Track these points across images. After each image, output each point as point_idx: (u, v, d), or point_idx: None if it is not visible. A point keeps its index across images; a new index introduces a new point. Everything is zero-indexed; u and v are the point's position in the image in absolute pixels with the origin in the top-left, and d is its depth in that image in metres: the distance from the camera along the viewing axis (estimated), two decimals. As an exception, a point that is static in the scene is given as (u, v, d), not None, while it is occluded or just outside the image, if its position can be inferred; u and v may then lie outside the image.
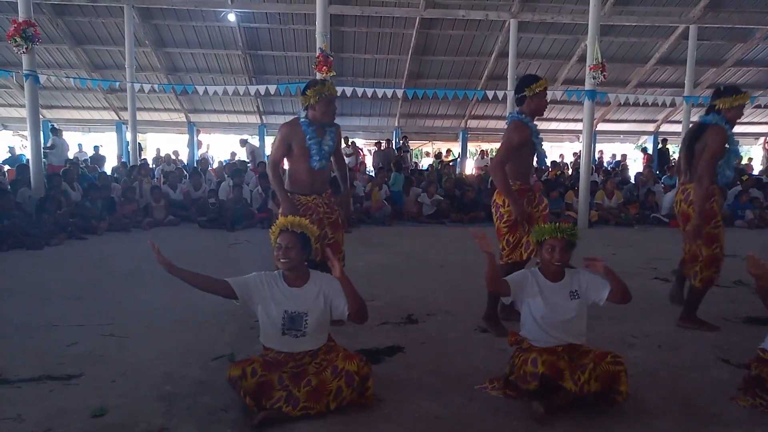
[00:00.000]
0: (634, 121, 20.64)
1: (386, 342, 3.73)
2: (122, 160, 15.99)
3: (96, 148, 15.96)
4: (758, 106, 15.92)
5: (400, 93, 12.05)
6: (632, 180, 12.50)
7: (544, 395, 2.74)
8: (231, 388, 2.75)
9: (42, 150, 9.22)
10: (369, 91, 11.15)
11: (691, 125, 4.27)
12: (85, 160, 14.43)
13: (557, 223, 3.05)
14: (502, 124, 17.30)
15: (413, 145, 21.59)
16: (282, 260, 2.86)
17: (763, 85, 17.65)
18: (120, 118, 18.77)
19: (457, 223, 9.95)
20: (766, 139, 19.25)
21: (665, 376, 3.25)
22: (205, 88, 11.52)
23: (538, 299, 2.96)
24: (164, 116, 19.32)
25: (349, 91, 10.96)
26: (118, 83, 12.28)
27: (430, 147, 24.75)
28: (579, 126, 15.27)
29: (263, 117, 19.83)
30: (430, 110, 19.54)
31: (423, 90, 12.05)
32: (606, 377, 2.72)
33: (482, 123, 20.44)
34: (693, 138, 4.04)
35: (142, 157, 15.61)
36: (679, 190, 4.17)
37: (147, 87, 12.11)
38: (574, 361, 2.88)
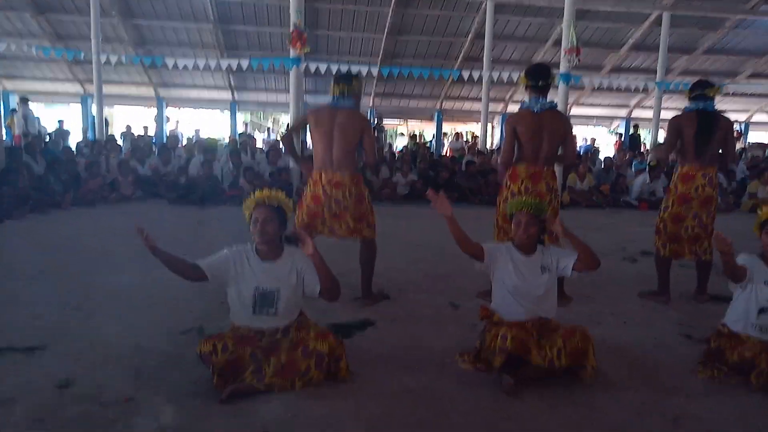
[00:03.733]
0: (608, 105, 20.91)
1: (358, 317, 3.74)
2: (87, 135, 15.58)
3: (60, 122, 15.48)
4: (727, 94, 16.26)
5: (375, 71, 11.91)
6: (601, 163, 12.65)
7: (513, 369, 2.78)
8: (200, 362, 2.72)
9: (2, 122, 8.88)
10: (344, 68, 11.00)
11: (687, 111, 4.31)
12: (48, 134, 14.00)
13: (524, 198, 3.09)
14: (477, 106, 17.32)
15: (388, 125, 21.52)
16: (259, 234, 2.82)
17: (731, 74, 18.02)
18: (86, 91, 18.20)
19: (430, 203, 9.95)
20: (733, 128, 19.72)
21: (630, 351, 3.33)
22: (175, 61, 11.22)
23: (510, 269, 2.99)
24: (132, 90, 18.80)
25: (323, 68, 10.81)
26: (83, 54, 11.85)
27: (405, 128, 24.72)
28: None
29: (235, 93, 19.48)
30: (405, 90, 19.45)
31: (398, 69, 11.96)
32: (574, 353, 2.78)
33: (457, 104, 20.46)
34: (709, 125, 4.18)
35: (109, 132, 15.20)
36: (697, 174, 4.23)
37: (114, 58, 11.72)
38: (543, 337, 2.92)
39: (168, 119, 19.74)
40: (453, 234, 3.01)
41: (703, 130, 4.19)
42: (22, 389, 2.59)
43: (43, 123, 16.30)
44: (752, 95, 19.38)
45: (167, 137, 15.33)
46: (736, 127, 19.12)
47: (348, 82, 4.00)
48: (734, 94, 18.81)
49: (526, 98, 4.16)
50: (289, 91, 9.82)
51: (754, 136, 21.95)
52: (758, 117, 21.90)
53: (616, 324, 3.81)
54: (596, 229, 7.50)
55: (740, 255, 3.06)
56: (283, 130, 20.11)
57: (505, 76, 12.17)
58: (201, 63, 11.15)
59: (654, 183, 10.19)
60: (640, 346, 3.42)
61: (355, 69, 11.35)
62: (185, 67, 11.71)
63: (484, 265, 3.06)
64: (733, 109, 20.67)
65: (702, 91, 4.25)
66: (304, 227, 3.95)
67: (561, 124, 4.12)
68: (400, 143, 21.62)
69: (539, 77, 4.07)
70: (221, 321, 3.22)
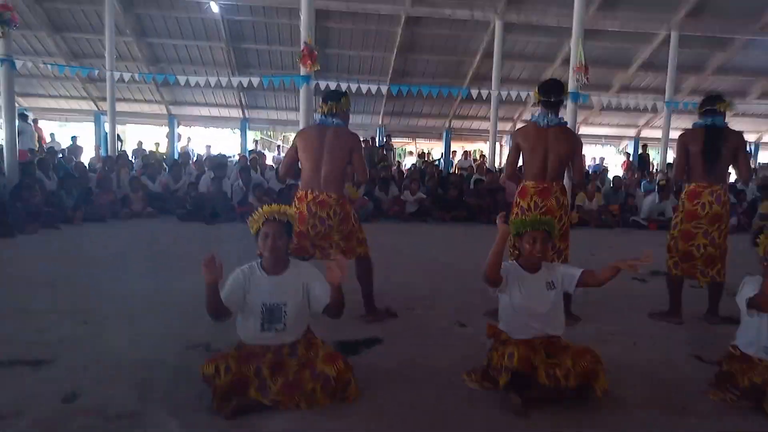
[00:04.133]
0: (616, 125, 20.91)
1: (365, 334, 3.72)
2: (100, 151, 15.76)
3: (73, 138, 15.68)
4: (737, 114, 16.22)
5: (384, 89, 12.01)
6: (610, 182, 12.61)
7: (520, 388, 2.75)
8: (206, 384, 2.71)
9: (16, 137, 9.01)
10: (353, 87, 11.12)
11: (695, 127, 4.29)
12: (62, 151, 14.17)
13: (537, 216, 3.08)
14: (486, 125, 17.41)
15: (396, 143, 21.61)
16: (270, 250, 2.82)
17: (741, 93, 17.98)
18: (98, 109, 18.46)
19: (439, 221, 9.97)
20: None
21: (639, 371, 3.29)
22: (187, 78, 11.38)
23: (516, 289, 2.97)
24: (144, 108, 19.06)
25: (333, 86, 10.92)
26: (97, 71, 12.04)
27: (414, 146, 24.81)
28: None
29: (246, 111, 19.67)
30: (414, 109, 19.57)
31: (408, 86, 12.05)
32: (584, 374, 2.74)
33: (466, 123, 20.53)
34: (717, 140, 4.14)
35: (121, 149, 15.38)
36: (704, 192, 4.19)
37: (127, 76, 11.90)
38: (552, 356, 2.89)
39: (179, 137, 19.94)
40: (494, 256, 2.89)
41: (710, 146, 4.14)
42: (27, 402, 2.59)
43: (57, 139, 16.54)
44: (762, 115, 19.32)
45: (179, 154, 15.48)
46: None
47: (337, 100, 4.01)
48: (744, 114, 18.76)
49: (537, 112, 4.17)
50: (299, 109, 9.90)
51: (765, 157, 21.83)
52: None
53: (624, 343, 3.76)
54: (606, 249, 7.47)
55: (747, 278, 3.02)
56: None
57: (513, 94, 12.22)
58: (212, 80, 11.30)
59: (663, 203, 10.13)
60: (649, 366, 3.38)
61: (365, 87, 11.51)
62: (197, 84, 11.87)
63: (499, 289, 3.02)
64: (743, 130, 20.57)
65: (712, 105, 4.21)
66: (295, 250, 3.88)
67: (568, 141, 4.08)
68: (408, 162, 21.68)
69: (551, 92, 4.07)
70: (229, 336, 3.21)
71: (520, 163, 4.23)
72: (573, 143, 4.13)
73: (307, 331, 2.96)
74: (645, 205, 10.31)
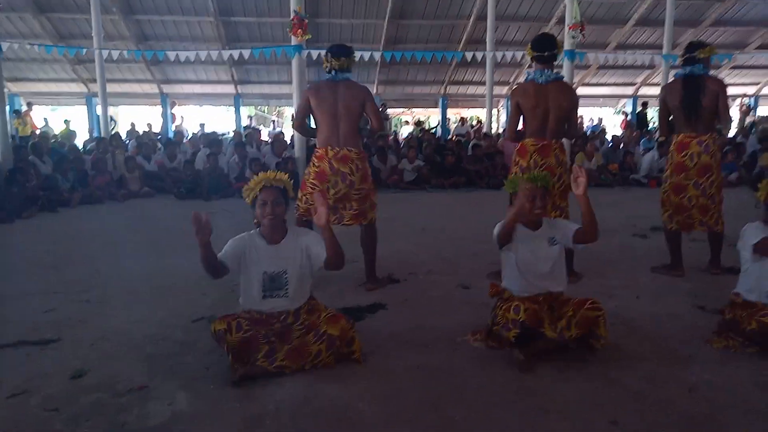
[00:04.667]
0: (614, 84, 20.66)
1: (368, 300, 3.73)
2: (94, 134, 15.63)
3: (66, 122, 15.53)
4: (735, 67, 16.02)
5: (377, 56, 11.83)
6: (609, 142, 12.53)
7: (525, 344, 2.76)
8: (216, 343, 2.74)
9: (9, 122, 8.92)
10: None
11: (675, 78, 4.28)
12: (55, 135, 14.05)
13: (533, 173, 3.06)
14: (482, 90, 17.21)
15: (392, 113, 21.42)
16: (270, 216, 2.81)
17: (739, 45, 17.74)
18: (89, 91, 18.24)
19: (438, 188, 9.93)
20: (742, 101, 19.45)
21: (644, 324, 3.30)
22: (176, 54, 11.17)
23: (520, 247, 2.97)
24: (136, 87, 18.83)
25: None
26: (84, 50, 11.84)
27: (410, 116, 24.59)
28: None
29: (238, 87, 19.44)
30: (408, 76, 19.33)
31: (401, 53, 11.87)
32: (585, 323, 2.76)
33: (462, 89, 20.30)
34: (695, 90, 4.10)
35: (115, 131, 15.25)
36: (692, 142, 4.16)
37: (116, 53, 11.70)
38: (555, 310, 2.91)
39: (173, 116, 19.76)
40: (509, 226, 2.88)
41: (689, 97, 4.11)
42: (36, 381, 2.61)
43: (50, 124, 16.40)
44: (761, 67, 19.08)
45: (174, 133, 15.36)
46: (745, 101, 18.91)
47: (347, 55, 3.98)
48: (743, 66, 18.54)
49: (532, 70, 4.11)
50: (292, 83, 9.76)
51: (765, 109, 21.64)
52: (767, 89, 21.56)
53: (628, 298, 3.78)
54: (606, 207, 7.43)
55: (748, 225, 3.02)
56: (290, 122, 20.05)
57: (509, 56, 12.05)
58: (203, 55, 11.11)
59: (663, 160, 10.06)
60: (653, 318, 3.39)
61: (357, 55, 11.30)
62: (188, 60, 11.72)
63: (506, 247, 3.00)
64: (742, 82, 20.40)
65: (691, 53, 4.15)
66: (308, 211, 3.92)
67: (568, 96, 4.05)
68: (405, 131, 21.52)
69: (545, 47, 4.01)
70: (233, 309, 3.21)
71: (521, 126, 4.19)
72: (573, 98, 4.10)
73: (310, 298, 2.97)
74: (644, 163, 10.26)
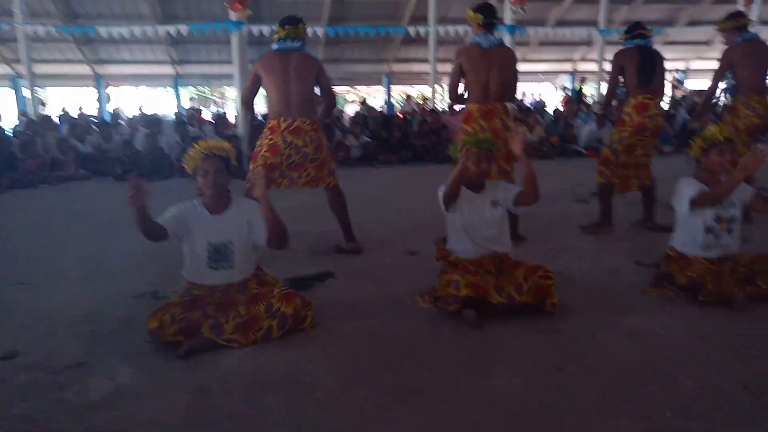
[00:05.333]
0: (553, 60, 21.08)
1: (317, 270, 3.70)
2: (23, 117, 14.77)
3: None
4: (667, 42, 16.61)
5: (320, 32, 11.62)
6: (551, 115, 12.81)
7: (475, 306, 2.80)
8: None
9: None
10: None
11: (628, 47, 4.48)
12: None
13: (477, 136, 3.09)
14: (426, 67, 17.20)
15: (336, 91, 21.17)
16: (212, 186, 2.73)
17: (670, 22, 18.38)
18: (15, 72, 17.18)
19: (386, 164, 9.92)
20: (675, 76, 20.23)
21: (585, 281, 3.41)
22: (108, 30, 10.63)
23: (464, 208, 2.99)
24: (66, 68, 17.80)
25: (267, 31, 10.46)
26: (8, 26, 11.10)
27: (355, 96, 24.40)
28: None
29: (177, 67, 18.74)
30: (353, 55, 19.11)
31: (344, 28, 11.69)
32: (537, 291, 2.82)
33: (407, 66, 20.26)
34: (650, 58, 4.37)
35: (45, 114, 14.45)
36: (650, 103, 4.36)
37: (42, 30, 11.01)
38: (504, 273, 2.95)
39: (109, 98, 18.91)
40: (458, 177, 2.90)
41: (646, 62, 4.34)
42: (-36, 364, 2.46)
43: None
44: (690, 43, 19.86)
45: (110, 115, 14.69)
46: (675, 75, 19.72)
47: (295, 24, 3.93)
48: (673, 42, 19.24)
49: (473, 36, 4.13)
50: (233, 62, 9.48)
51: (693, 84, 22.59)
52: (696, 64, 22.51)
53: (570, 258, 3.89)
54: (548, 176, 7.58)
55: (681, 181, 3.14)
56: (233, 102, 19.57)
57: (452, 31, 12.07)
58: (137, 31, 10.60)
59: (601, 130, 10.37)
60: (594, 275, 3.52)
61: (310, 32, 11.07)
62: (121, 37, 11.14)
63: (451, 209, 3.02)
64: (672, 57, 21.15)
65: (642, 29, 4.46)
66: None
67: (510, 60, 4.14)
68: (349, 110, 21.35)
69: (490, 13, 4.08)
70: (177, 282, 3.12)
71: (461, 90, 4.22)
72: (514, 62, 4.19)
73: (257, 269, 2.91)
74: (583, 134, 10.55)
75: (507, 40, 9.70)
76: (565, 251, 4.08)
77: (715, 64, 4.98)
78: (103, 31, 10.72)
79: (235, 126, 10.36)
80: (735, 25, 4.66)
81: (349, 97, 25.16)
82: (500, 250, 3.06)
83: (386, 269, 3.76)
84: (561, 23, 17.86)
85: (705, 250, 3.07)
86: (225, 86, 23.58)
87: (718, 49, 4.69)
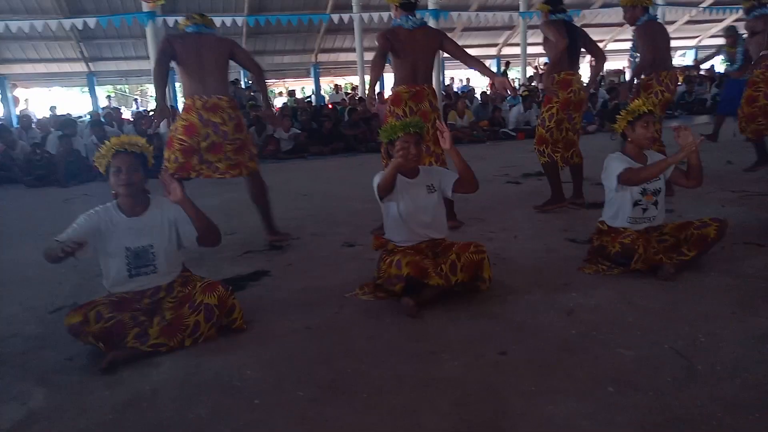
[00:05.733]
0: (478, 45, 21.41)
1: (249, 269, 3.54)
2: None
3: None
4: (584, 24, 17.15)
5: (240, 21, 11.24)
6: (479, 100, 13.01)
7: (413, 292, 2.75)
8: (74, 338, 2.42)
9: None
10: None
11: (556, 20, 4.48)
12: None
13: (405, 120, 3.02)
14: (353, 57, 17.07)
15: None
16: (125, 185, 2.52)
17: (586, 4, 19.01)
18: None
19: (317, 155, 9.77)
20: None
21: (522, 260, 3.43)
22: (5, 24, 9.83)
23: (400, 196, 2.92)
24: (-36, 70, 16.54)
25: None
26: None
27: (283, 88, 23.92)
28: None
29: (91, 65, 17.74)
30: (277, 46, 18.71)
31: (266, 16, 11.38)
32: (470, 266, 2.79)
33: (333, 56, 20.05)
34: (575, 32, 4.50)
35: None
36: (573, 78, 4.47)
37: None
38: (439, 256, 2.92)
39: (16, 100, 17.66)
40: (392, 171, 2.80)
41: (573, 38, 4.42)
42: None
43: None
44: (605, 24, 20.64)
45: (18, 118, 13.70)
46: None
47: (204, 16, 3.90)
48: (589, 24, 19.94)
49: (395, 19, 4.06)
50: (149, 57, 9.01)
51: (609, 64, 23.54)
52: (612, 45, 23.47)
53: (507, 239, 3.91)
54: (480, 159, 7.70)
55: (610, 157, 3.20)
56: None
57: (376, 17, 11.98)
58: (39, 25, 9.86)
59: (528, 112, 10.62)
60: (531, 254, 3.54)
61: (218, 20, 10.67)
62: (20, 31, 10.35)
63: (387, 198, 2.94)
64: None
65: (562, 4, 4.55)
66: (179, 169, 3.67)
67: (436, 39, 4.10)
68: (278, 102, 20.93)
69: None
70: (95, 294, 2.89)
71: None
72: (440, 38, 4.14)
73: (183, 270, 2.74)
74: (512, 117, 10.76)
75: (431, 24, 9.70)
76: (501, 231, 4.10)
77: (626, 45, 5.16)
78: (0, 26, 9.92)
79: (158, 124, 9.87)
80: (639, 1, 4.74)
81: (277, 89, 24.63)
82: (437, 236, 3.02)
83: (322, 262, 3.66)
84: (483, 8, 18.15)
85: (634, 222, 3.14)
86: (145, 83, 22.56)
87: (630, 31, 4.88)
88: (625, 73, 17.01)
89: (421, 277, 2.72)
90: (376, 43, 4.09)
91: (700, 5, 17.44)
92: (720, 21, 18.44)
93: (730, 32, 7.51)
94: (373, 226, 4.21)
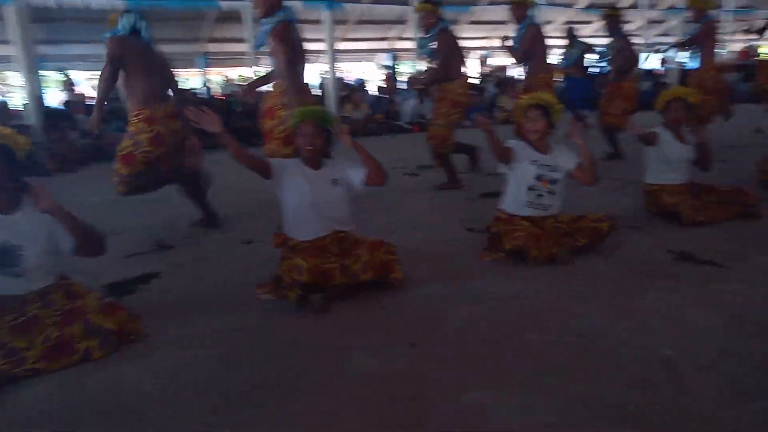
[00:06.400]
0: (371, 39, 21.53)
1: (138, 270, 3.27)
2: None
3: None
4: (472, 21, 17.81)
5: (120, 6, 10.43)
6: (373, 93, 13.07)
7: (320, 289, 2.65)
8: None
9: None
10: (80, 4, 9.38)
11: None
12: None
13: (309, 108, 2.93)
14: (242, 47, 16.49)
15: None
16: None
17: (474, 2, 19.71)
18: None
19: (208, 149, 9.26)
20: (481, 54, 21.76)
21: (425, 251, 3.44)
22: None
23: (303, 187, 2.82)
24: None
25: (52, 3, 9.08)
26: None
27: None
28: (319, 46, 15.34)
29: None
30: (162, 34, 17.61)
31: (150, 2, 10.62)
32: (380, 267, 2.76)
33: (225, 47, 19.26)
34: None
35: None
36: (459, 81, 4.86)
37: None
38: (346, 251, 2.83)
39: None
40: (239, 157, 2.83)
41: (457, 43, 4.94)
42: None
43: None
44: (492, 22, 21.53)
45: None
46: (483, 53, 21.32)
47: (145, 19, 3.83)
48: (477, 22, 20.71)
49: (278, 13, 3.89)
50: (8, 42, 8.09)
51: (495, 61, 24.62)
52: (497, 43, 24.54)
53: (408, 230, 3.90)
54: (377, 152, 7.71)
55: (507, 141, 3.31)
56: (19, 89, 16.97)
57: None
58: None
59: (422, 105, 10.81)
60: (434, 245, 3.56)
61: (96, 5, 9.82)
62: None
63: (273, 182, 2.85)
64: (475, 36, 22.85)
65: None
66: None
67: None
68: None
69: None
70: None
71: None
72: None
73: (61, 277, 2.45)
74: (407, 110, 10.91)
75: (326, 16, 9.60)
76: (401, 223, 4.09)
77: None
78: None
79: (22, 117, 8.93)
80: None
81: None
82: (341, 229, 2.94)
83: (219, 262, 3.45)
84: (376, 0, 18.22)
85: (529, 207, 3.25)
86: (5, 71, 20.40)
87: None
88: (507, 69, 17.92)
89: (324, 283, 2.63)
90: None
91: (575, 6, 18.66)
92: (591, 23, 19.84)
93: (569, 34, 8.31)
94: (272, 222, 4.04)
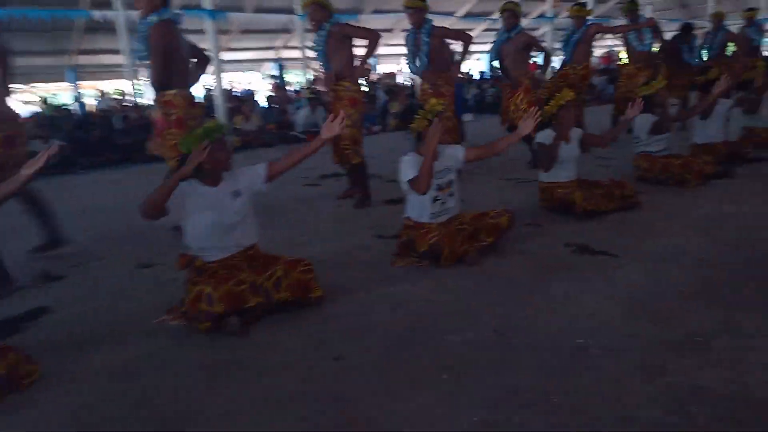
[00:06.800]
0: (257, 48, 21.12)
1: (24, 306, 2.96)
2: None
3: None
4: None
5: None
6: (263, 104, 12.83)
7: (236, 313, 2.52)
8: None
9: None
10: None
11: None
12: None
13: (204, 128, 2.75)
14: (118, 59, 15.54)
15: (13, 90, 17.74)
16: None
17: (359, 10, 19.97)
18: None
19: (89, 168, 8.66)
20: (368, 62, 22.02)
21: (336, 260, 3.40)
22: None
23: (200, 206, 2.65)
24: None
25: None
26: None
27: (31, 94, 20.82)
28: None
29: None
30: (26, 46, 16.15)
31: (10, 11, 9.70)
32: (298, 286, 2.68)
33: (96, 59, 18.02)
34: None
35: None
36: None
37: None
38: (258, 268, 2.71)
39: None
40: (164, 193, 2.54)
41: None
42: None
43: None
44: (378, 30, 21.96)
45: None
46: (371, 61, 21.63)
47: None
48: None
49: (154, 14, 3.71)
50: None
51: (383, 68, 25.13)
52: (382, 50, 25.03)
53: (317, 241, 3.86)
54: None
55: (404, 159, 3.26)
56: None
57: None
58: None
59: (315, 115, 10.76)
60: (345, 254, 3.54)
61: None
62: None
63: (171, 218, 2.65)
64: (363, 45, 23.18)
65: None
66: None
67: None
68: (25, 112, 18.17)
69: None
70: None
71: None
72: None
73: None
74: (299, 119, 10.80)
75: (209, 26, 9.27)
76: (309, 235, 4.04)
77: (397, 50, 5.62)
78: None
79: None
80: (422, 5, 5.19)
81: (26, 96, 21.37)
82: (248, 243, 2.82)
83: (114, 289, 3.21)
84: (260, 10, 17.92)
85: (436, 217, 3.31)
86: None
87: (400, 36, 5.36)
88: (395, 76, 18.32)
89: (237, 308, 2.50)
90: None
91: (455, 14, 19.52)
92: (471, 29, 20.86)
93: None
94: (169, 242, 3.82)
